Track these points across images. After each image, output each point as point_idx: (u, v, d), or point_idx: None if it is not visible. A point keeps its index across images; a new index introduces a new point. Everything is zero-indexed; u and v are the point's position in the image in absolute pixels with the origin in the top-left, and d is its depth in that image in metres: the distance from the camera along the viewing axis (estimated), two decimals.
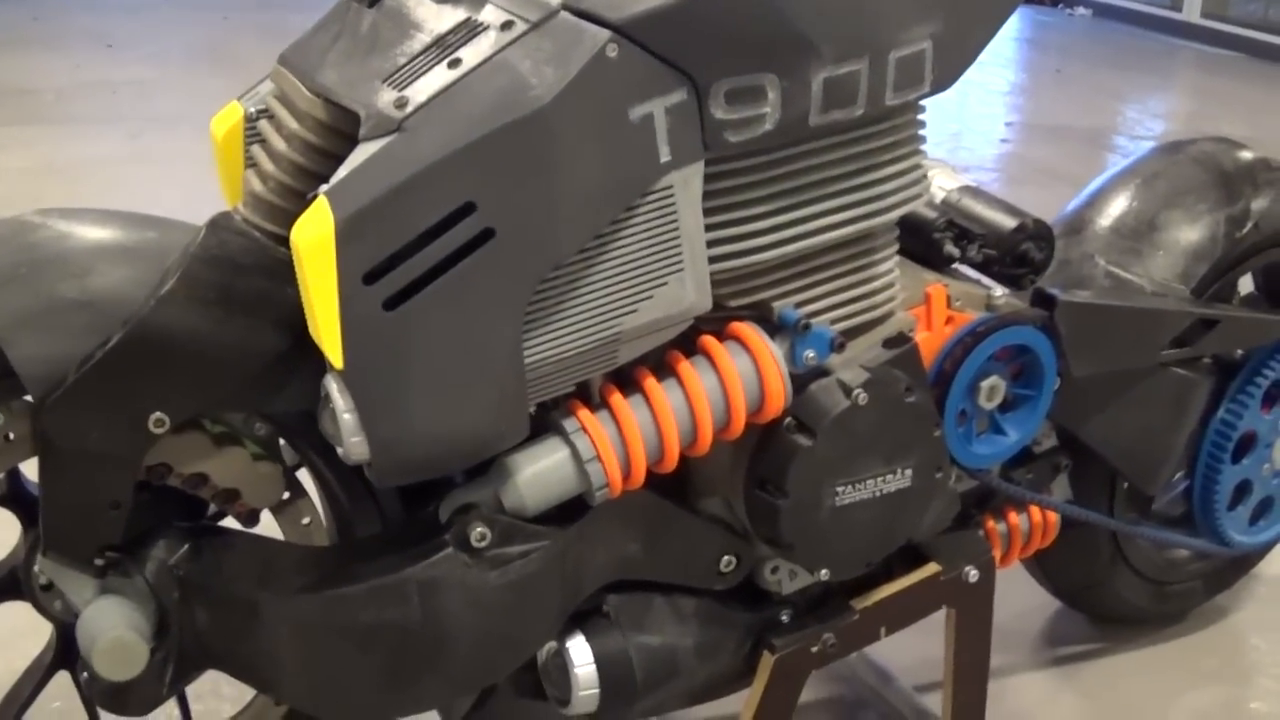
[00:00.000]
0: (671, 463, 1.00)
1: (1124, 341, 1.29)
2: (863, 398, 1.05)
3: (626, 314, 0.92)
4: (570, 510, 1.01)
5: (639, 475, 0.99)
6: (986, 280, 1.26)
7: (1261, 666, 1.61)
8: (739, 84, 0.91)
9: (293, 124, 0.93)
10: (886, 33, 0.97)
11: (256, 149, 1.00)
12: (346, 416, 0.86)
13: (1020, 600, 1.66)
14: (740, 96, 0.92)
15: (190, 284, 0.90)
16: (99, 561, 0.97)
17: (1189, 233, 1.42)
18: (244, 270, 0.91)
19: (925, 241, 1.23)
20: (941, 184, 1.32)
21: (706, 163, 0.94)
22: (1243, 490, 1.52)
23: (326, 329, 0.83)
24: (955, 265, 1.25)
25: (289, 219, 0.92)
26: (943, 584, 1.26)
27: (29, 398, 0.93)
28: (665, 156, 0.90)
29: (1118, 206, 1.46)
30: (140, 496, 0.97)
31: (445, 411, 0.87)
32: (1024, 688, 1.56)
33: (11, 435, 0.95)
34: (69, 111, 3.90)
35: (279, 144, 0.95)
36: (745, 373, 1.01)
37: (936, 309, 1.17)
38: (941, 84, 1.03)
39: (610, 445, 0.97)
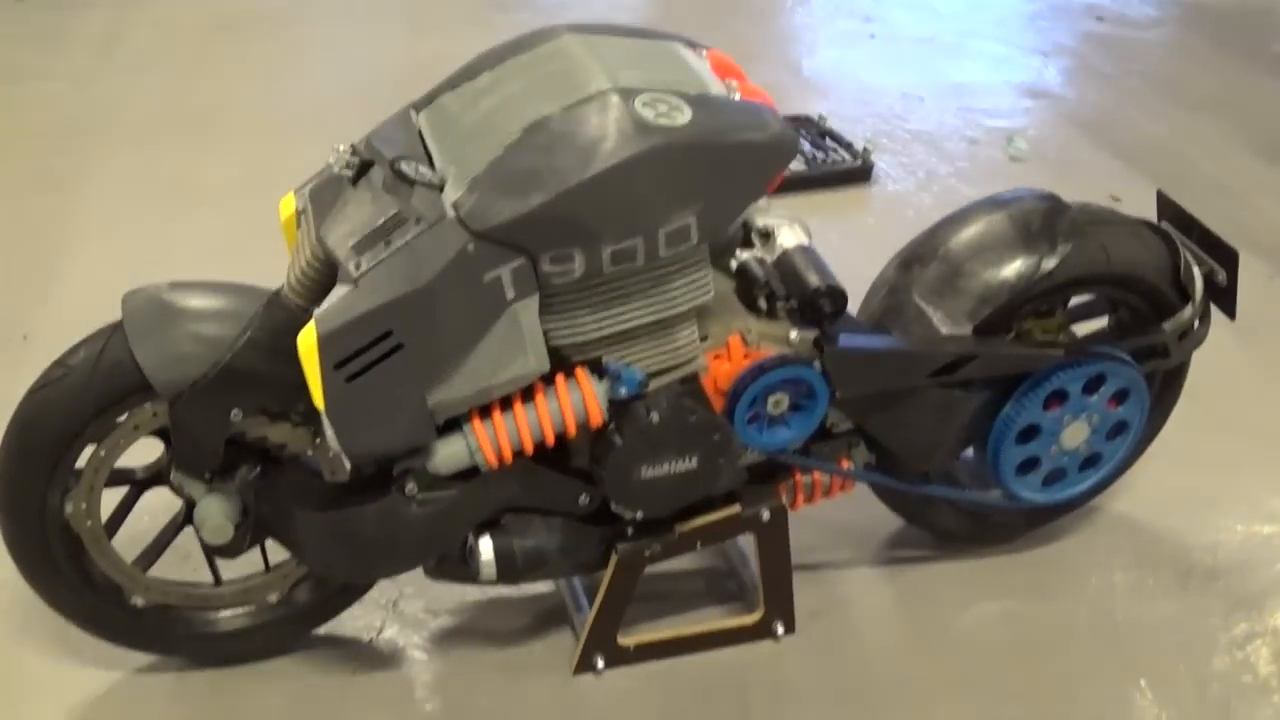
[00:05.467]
0: (529, 450, 1.92)
1: (886, 373, 2.05)
2: (655, 418, 1.93)
3: (491, 377, 1.78)
4: (473, 471, 1.95)
5: (508, 457, 1.88)
6: (792, 322, 2.08)
7: (1060, 588, 2.37)
8: (556, 253, 1.71)
9: (308, 253, 1.86)
10: (653, 221, 1.73)
11: (297, 244, 1.93)
12: (329, 433, 1.79)
13: (882, 508, 2.42)
14: (558, 259, 1.72)
15: (254, 343, 1.83)
16: (207, 476, 1.98)
17: (982, 281, 2.10)
18: (285, 333, 1.84)
19: (750, 294, 2.07)
20: (784, 241, 2.12)
21: (541, 291, 1.81)
22: (1032, 464, 2.26)
23: (315, 391, 1.73)
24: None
25: (312, 297, 1.88)
26: (743, 519, 2.14)
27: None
28: (510, 295, 1.73)
29: (942, 249, 2.15)
30: (230, 445, 1.96)
31: (380, 434, 1.79)
32: (852, 580, 2.38)
33: (156, 413, 1.90)
34: None
35: (305, 256, 1.87)
36: (575, 402, 1.88)
37: (735, 352, 2.01)
38: (708, 238, 1.84)
39: (488, 441, 1.87)
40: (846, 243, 3.50)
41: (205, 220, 3.61)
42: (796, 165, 3.99)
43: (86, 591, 2.04)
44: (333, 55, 4.78)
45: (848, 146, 4.09)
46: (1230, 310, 2.30)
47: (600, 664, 2.19)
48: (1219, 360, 2.79)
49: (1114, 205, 3.55)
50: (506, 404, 1.89)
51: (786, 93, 4.57)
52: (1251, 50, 4.82)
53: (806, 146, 4.10)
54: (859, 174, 3.98)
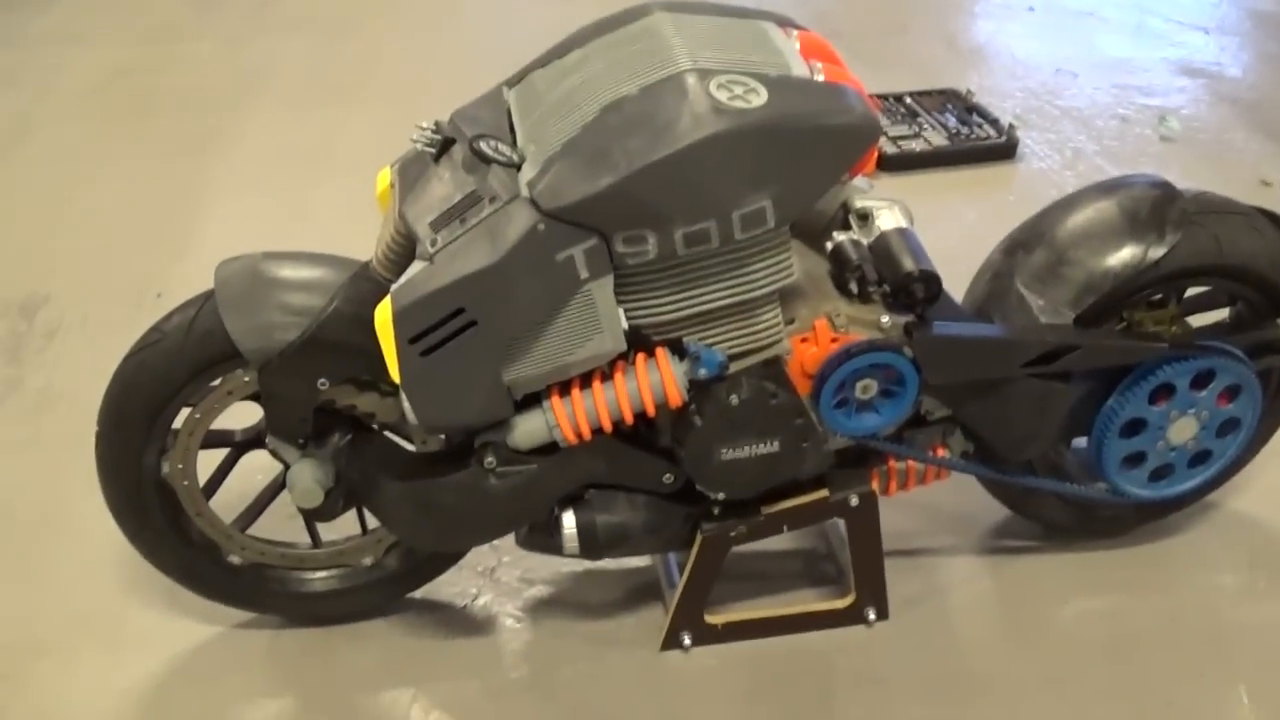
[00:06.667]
0: (608, 428, 1.94)
1: (977, 361, 2.00)
2: (735, 400, 1.92)
3: (567, 356, 1.82)
4: (553, 446, 1.98)
5: (586, 434, 1.90)
6: (885, 306, 2.05)
7: (1166, 586, 2.30)
8: (629, 234, 1.72)
9: (393, 228, 1.90)
10: (726, 203, 1.71)
11: (386, 217, 1.97)
12: (406, 405, 1.83)
13: (988, 495, 2.39)
14: (631, 240, 1.72)
15: (339, 314, 1.89)
16: (300, 441, 2.05)
17: (1086, 269, 2.05)
18: (370, 305, 1.89)
19: (842, 278, 2.05)
20: (882, 223, 2.09)
21: (615, 271, 1.82)
22: (1137, 458, 2.20)
23: (391, 364, 1.78)
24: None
25: (397, 271, 1.91)
26: (831, 504, 2.14)
27: None
28: (584, 275, 1.74)
29: (1047, 235, 2.10)
30: (323, 412, 2.02)
31: (456, 408, 1.82)
32: (952, 568, 2.35)
33: (247, 379, 1.97)
34: None
35: (391, 231, 1.92)
36: (654, 382, 1.89)
37: (821, 336, 1.99)
38: (785, 221, 1.83)
39: (566, 419, 1.90)
40: (983, 221, 3.44)
41: (345, 185, 3.71)
42: (939, 140, 3.93)
43: (184, 549, 2.13)
44: (486, 16, 4.85)
45: (993, 122, 4.01)
46: None
47: (687, 641, 2.21)
48: None
49: (1264, 189, 3.41)
50: (586, 382, 1.91)
51: (938, 65, 4.49)
52: None
53: (951, 121, 4.03)
54: (1002, 151, 3.89)
